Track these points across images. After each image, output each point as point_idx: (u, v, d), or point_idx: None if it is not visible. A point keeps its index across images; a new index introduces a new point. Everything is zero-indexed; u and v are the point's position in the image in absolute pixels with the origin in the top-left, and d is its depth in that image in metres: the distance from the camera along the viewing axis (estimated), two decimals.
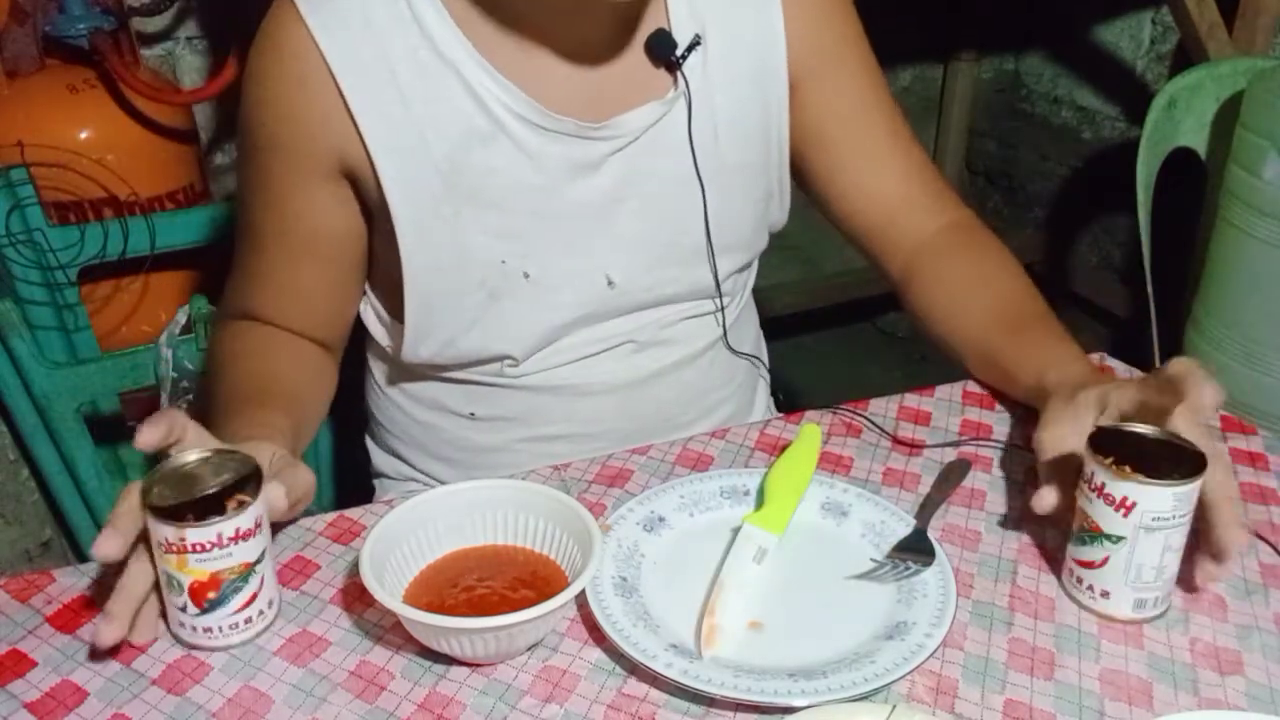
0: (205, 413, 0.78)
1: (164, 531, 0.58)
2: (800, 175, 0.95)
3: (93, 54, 1.51)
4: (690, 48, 0.82)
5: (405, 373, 0.93)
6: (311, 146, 0.79)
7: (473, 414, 0.91)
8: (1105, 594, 0.66)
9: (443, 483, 0.94)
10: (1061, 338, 0.83)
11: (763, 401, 1.06)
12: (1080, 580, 0.67)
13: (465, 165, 0.79)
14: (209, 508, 0.59)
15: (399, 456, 0.99)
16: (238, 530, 0.59)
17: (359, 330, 0.94)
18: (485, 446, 0.92)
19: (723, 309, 0.93)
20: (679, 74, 0.82)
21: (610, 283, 0.85)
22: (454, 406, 0.91)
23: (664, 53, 0.82)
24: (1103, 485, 0.63)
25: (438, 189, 0.79)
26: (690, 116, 0.83)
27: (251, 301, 0.88)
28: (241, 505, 0.59)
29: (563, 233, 0.83)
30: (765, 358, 1.06)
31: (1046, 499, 0.69)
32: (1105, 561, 0.65)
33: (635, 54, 0.82)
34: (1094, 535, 0.65)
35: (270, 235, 0.85)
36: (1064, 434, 0.70)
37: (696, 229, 0.87)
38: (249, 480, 0.61)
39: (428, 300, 0.83)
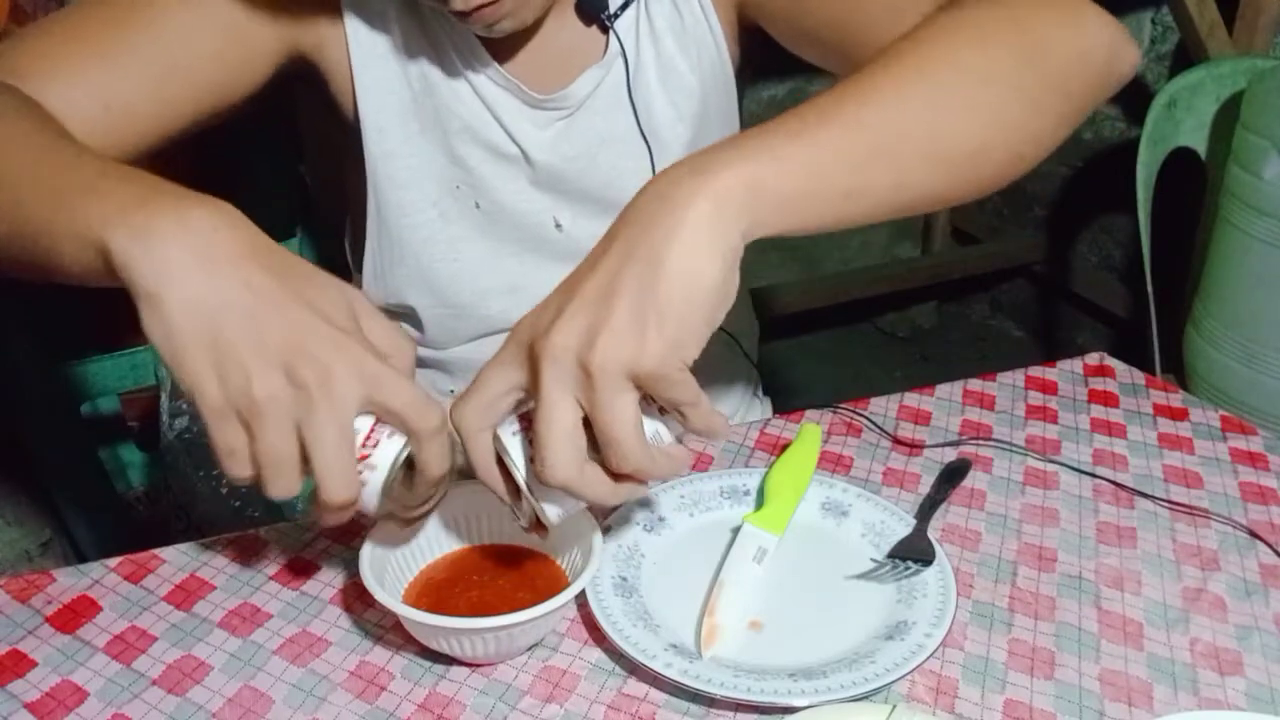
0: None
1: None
2: (780, 36, 0.81)
3: None
4: (624, 5, 0.81)
5: None
6: (286, 13, 0.77)
7: (452, 391, 0.92)
8: None
9: None
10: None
11: (749, 390, 1.04)
12: None
13: (432, 90, 0.81)
14: None
15: None
16: None
17: None
18: None
19: None
20: (612, 34, 0.81)
21: (558, 225, 0.87)
22: (439, 384, 0.93)
23: (594, 12, 0.81)
24: None
25: (406, 102, 0.81)
26: (629, 76, 0.82)
27: (45, 76, 0.69)
28: None
29: (512, 174, 0.84)
30: (752, 343, 1.05)
31: None
32: None
33: (572, 17, 0.82)
34: None
35: (162, 18, 0.73)
36: None
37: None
38: None
39: (385, 217, 0.84)
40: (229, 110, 0.78)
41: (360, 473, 0.54)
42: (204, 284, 0.51)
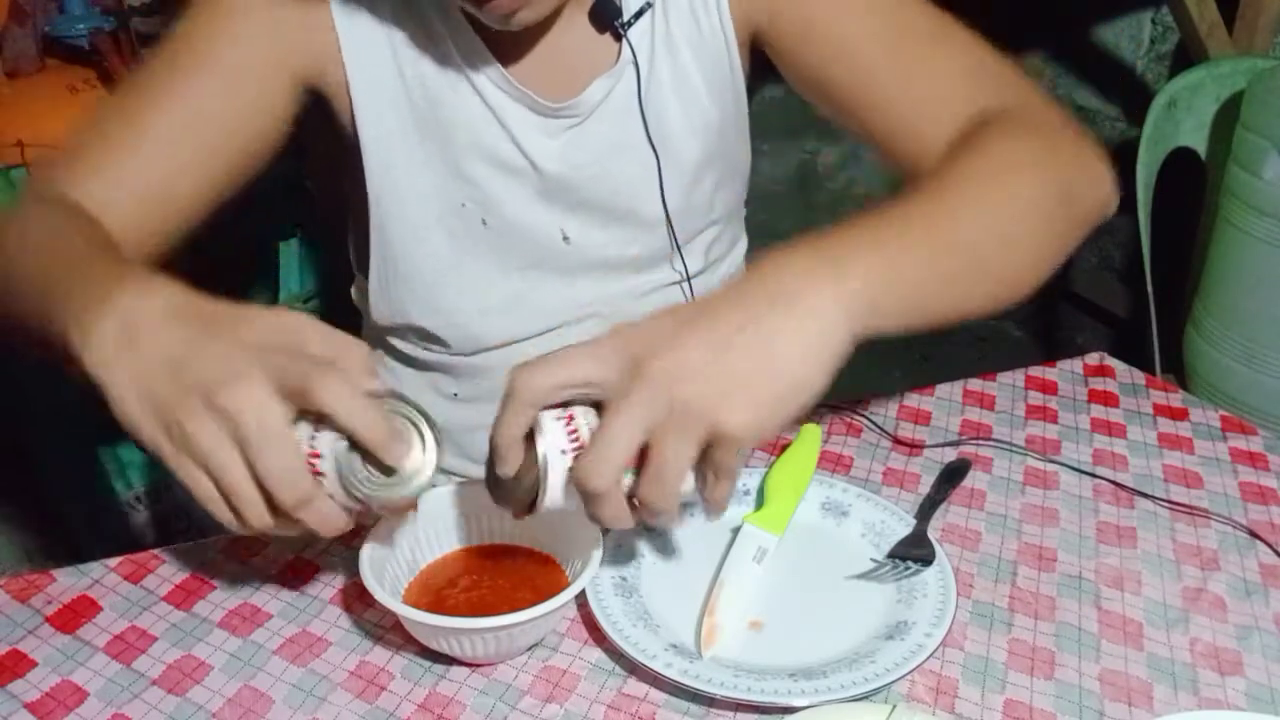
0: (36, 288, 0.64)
1: None
2: (805, 82, 0.83)
3: (93, 54, 1.51)
4: (639, 13, 0.80)
5: (394, 356, 0.93)
6: (281, 45, 0.77)
7: (455, 394, 0.92)
8: None
9: (442, 470, 0.94)
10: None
11: None
12: None
13: (436, 103, 0.80)
14: None
15: None
16: None
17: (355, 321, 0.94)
18: (471, 426, 0.92)
19: (689, 279, 0.92)
20: (625, 41, 0.81)
21: (565, 238, 0.86)
22: (441, 387, 0.92)
23: (608, 19, 0.80)
24: None
25: (407, 119, 0.80)
26: (640, 85, 0.82)
27: (92, 176, 0.73)
28: None
29: (520, 188, 0.83)
30: None
31: None
32: None
33: (583, 23, 0.81)
34: None
35: (177, 108, 0.75)
36: None
37: (654, 196, 0.86)
38: None
39: (388, 237, 0.83)
40: (266, 159, 0.80)
41: (316, 469, 0.55)
42: (131, 357, 0.55)
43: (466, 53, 0.79)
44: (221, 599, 0.67)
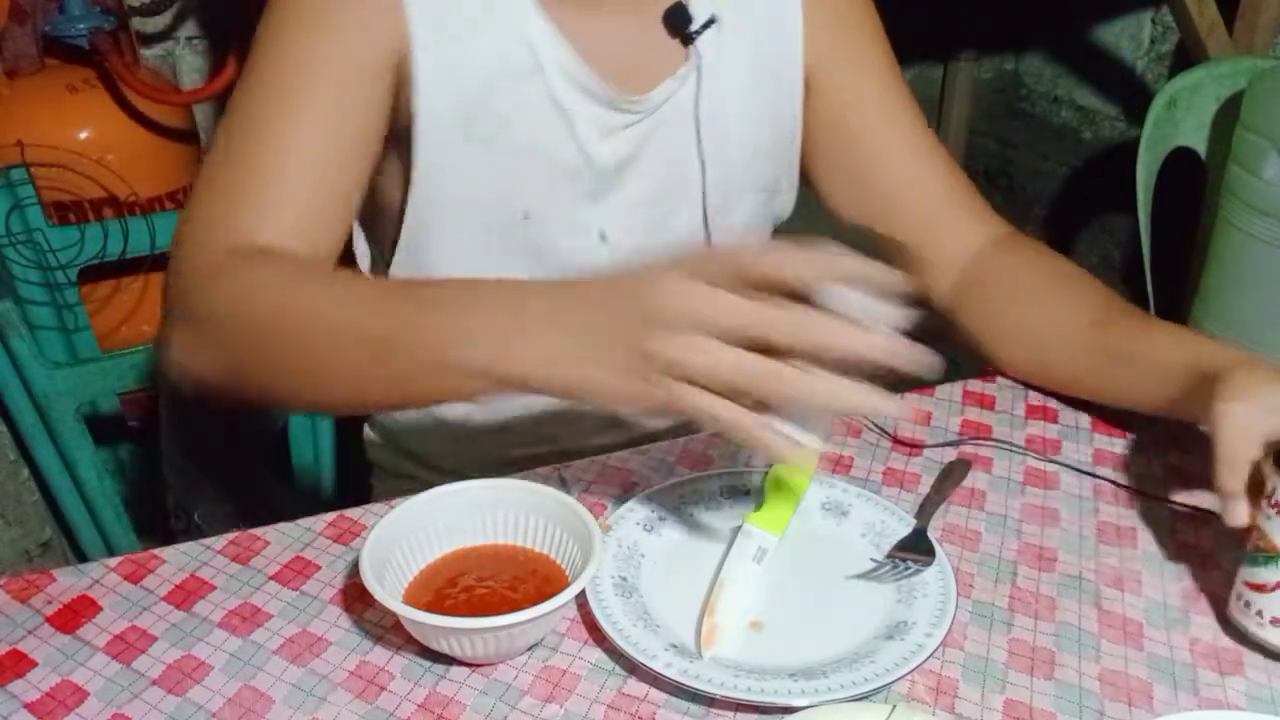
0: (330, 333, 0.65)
1: None
2: (823, 178, 0.93)
3: (93, 54, 1.51)
4: (706, 25, 0.82)
5: None
6: (368, 34, 0.76)
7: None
8: (1275, 621, 0.63)
9: (438, 469, 0.94)
10: (1191, 331, 0.78)
11: None
12: (1249, 605, 0.63)
13: (495, 95, 0.79)
14: None
15: (399, 449, 0.99)
16: None
17: None
18: (482, 427, 0.92)
19: None
20: (693, 49, 0.83)
21: (603, 237, 0.86)
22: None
23: (680, 25, 0.82)
24: None
25: (466, 109, 0.79)
26: (698, 93, 0.84)
27: (262, 220, 0.73)
28: None
29: (568, 184, 0.83)
30: None
31: (1239, 512, 0.63)
32: (1278, 586, 0.62)
33: (656, 27, 0.83)
34: (1270, 556, 0.62)
35: (305, 125, 0.74)
36: (1254, 419, 0.63)
37: (695, 204, 0.87)
38: None
39: (423, 222, 0.82)
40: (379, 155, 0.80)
41: None
42: (576, 341, 0.59)
43: (541, 39, 0.79)
44: (221, 599, 0.67)
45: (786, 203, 0.94)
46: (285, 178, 0.74)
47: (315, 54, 0.75)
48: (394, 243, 0.85)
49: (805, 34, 0.88)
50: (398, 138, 0.81)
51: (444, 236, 0.83)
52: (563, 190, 0.83)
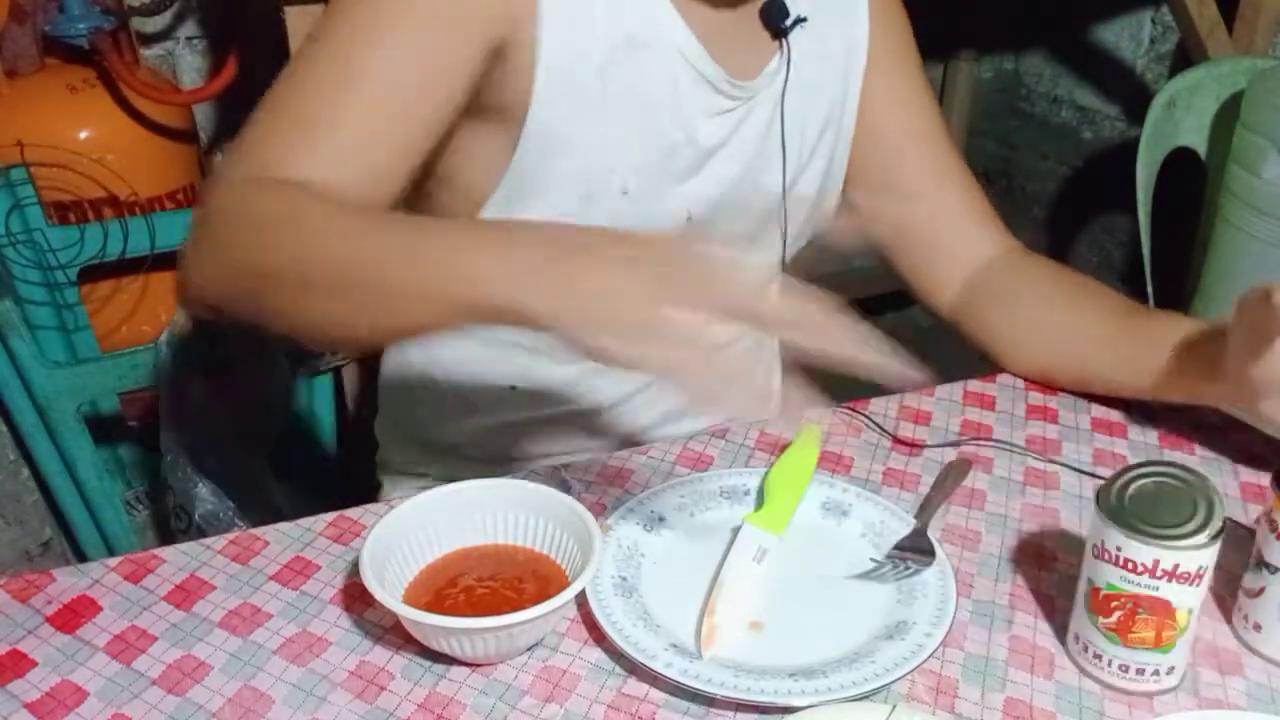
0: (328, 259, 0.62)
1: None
2: (854, 179, 0.96)
3: (93, 54, 1.51)
4: (796, 21, 0.85)
5: (439, 340, 0.92)
6: (490, 13, 0.74)
7: (513, 388, 0.91)
8: (1258, 626, 0.64)
9: (456, 458, 0.95)
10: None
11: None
12: (1240, 608, 0.65)
13: (619, 68, 0.79)
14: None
15: (415, 444, 0.99)
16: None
17: None
18: (516, 423, 0.92)
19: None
20: (784, 42, 0.86)
21: (690, 218, 0.87)
22: (491, 379, 0.91)
23: (777, 20, 0.85)
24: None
25: (586, 83, 0.78)
26: (785, 86, 0.86)
27: (301, 156, 0.70)
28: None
29: (669, 161, 0.84)
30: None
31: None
32: (1262, 591, 0.63)
33: (754, 18, 0.85)
34: (1260, 562, 0.63)
35: (378, 77, 0.71)
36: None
37: (773, 192, 0.90)
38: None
39: (522, 197, 0.81)
40: (453, 123, 0.77)
41: None
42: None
43: (663, 17, 0.80)
44: (221, 599, 0.67)
45: (831, 206, 0.96)
46: (350, 128, 0.71)
47: (422, 9, 0.72)
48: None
49: (870, 43, 0.91)
50: (506, 113, 0.78)
51: (541, 197, 0.81)
52: (665, 166, 0.84)
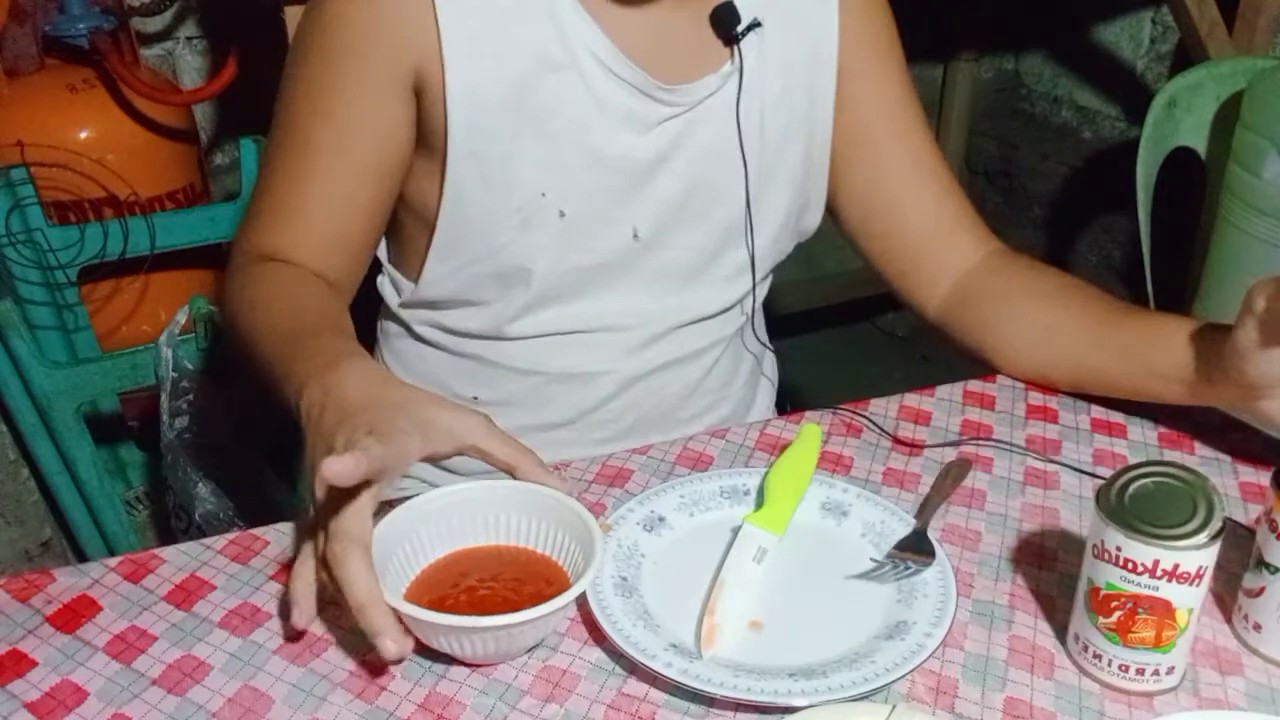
0: (254, 352, 0.76)
1: None
2: (837, 187, 0.94)
3: (93, 54, 1.51)
4: (749, 27, 0.83)
5: (411, 353, 0.93)
6: (394, 53, 0.78)
7: (475, 397, 0.92)
8: (1258, 626, 0.64)
9: (434, 483, 0.94)
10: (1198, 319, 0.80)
11: (764, 403, 1.06)
12: (1240, 608, 0.65)
13: (533, 90, 0.79)
14: None
15: None
16: None
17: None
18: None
19: (754, 293, 0.94)
20: (736, 49, 0.83)
21: (636, 235, 0.86)
22: (458, 389, 0.92)
23: (727, 26, 0.83)
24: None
25: (500, 109, 0.79)
26: (740, 93, 0.84)
27: (279, 234, 0.83)
28: None
29: (605, 178, 0.83)
30: (774, 363, 1.07)
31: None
32: (1262, 591, 0.63)
33: (701, 24, 0.84)
34: (1259, 562, 0.63)
35: (327, 150, 0.81)
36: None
37: (735, 204, 0.88)
38: None
39: (461, 222, 0.83)
40: (406, 170, 0.85)
41: None
42: (310, 433, 0.67)
43: (575, 31, 0.79)
44: (221, 599, 0.67)
45: (813, 220, 0.95)
46: (317, 211, 0.82)
47: (345, 75, 0.79)
48: (428, 244, 0.85)
49: (840, 47, 0.89)
50: (429, 142, 0.81)
51: (479, 227, 0.83)
52: (600, 184, 0.83)
